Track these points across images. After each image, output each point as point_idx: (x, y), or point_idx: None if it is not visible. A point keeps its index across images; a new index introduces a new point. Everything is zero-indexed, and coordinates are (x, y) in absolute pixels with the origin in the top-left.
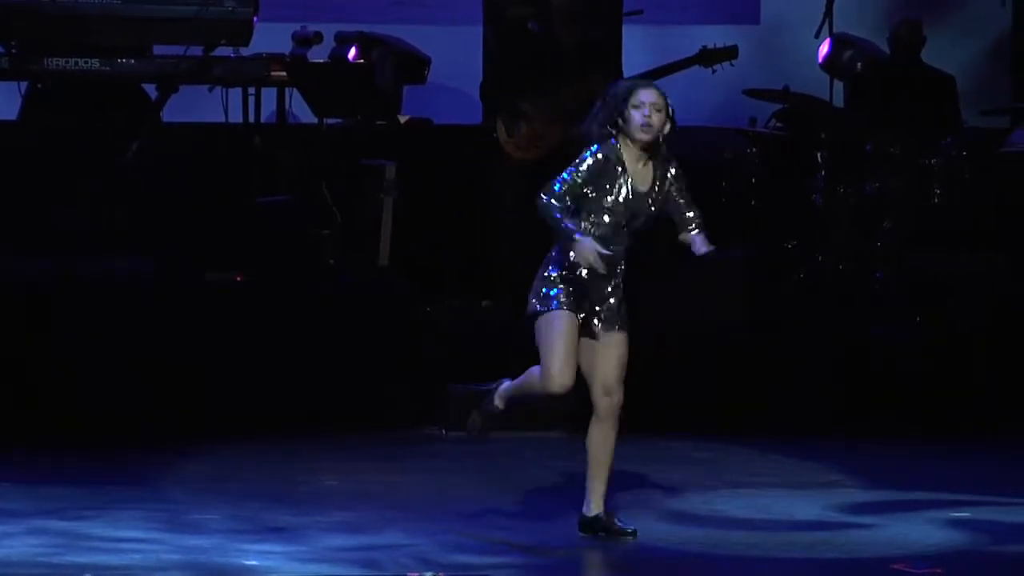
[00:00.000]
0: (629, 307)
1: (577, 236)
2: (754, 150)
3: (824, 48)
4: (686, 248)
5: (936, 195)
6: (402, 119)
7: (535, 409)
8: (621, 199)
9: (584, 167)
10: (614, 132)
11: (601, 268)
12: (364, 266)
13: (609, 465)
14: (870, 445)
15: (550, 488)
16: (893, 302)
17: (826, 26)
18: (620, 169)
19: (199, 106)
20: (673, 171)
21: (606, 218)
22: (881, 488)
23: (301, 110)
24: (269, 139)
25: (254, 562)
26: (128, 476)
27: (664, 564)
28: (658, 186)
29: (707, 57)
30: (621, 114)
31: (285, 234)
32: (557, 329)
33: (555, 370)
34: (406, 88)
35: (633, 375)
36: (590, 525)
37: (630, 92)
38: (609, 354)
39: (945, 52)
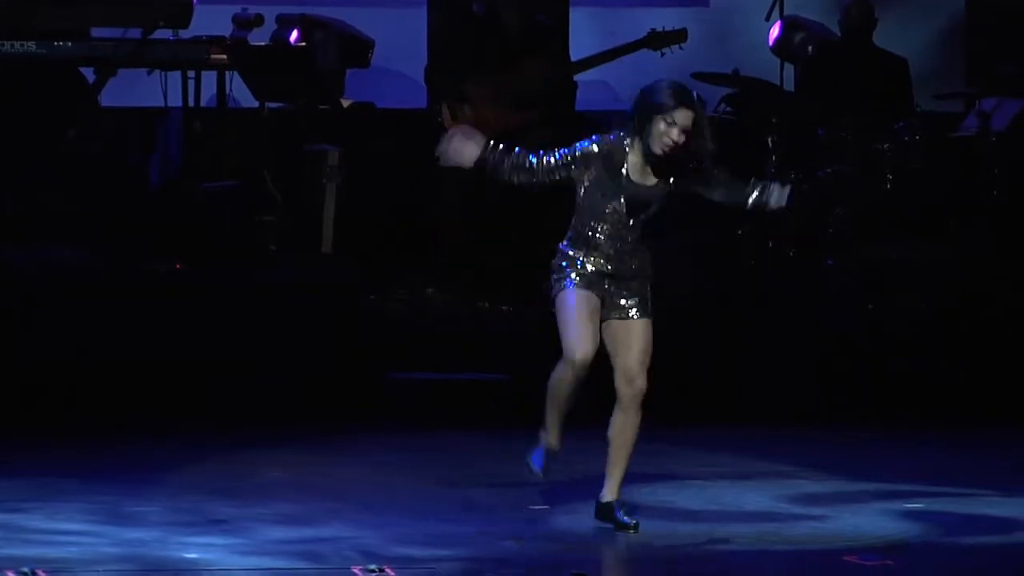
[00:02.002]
0: None
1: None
2: None
3: (774, 31)
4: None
5: (888, 180)
6: (345, 103)
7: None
8: (622, 189)
9: (575, 149)
10: (633, 130)
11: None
12: (307, 253)
13: (628, 454)
14: (821, 435)
15: (495, 481)
16: (844, 289)
17: (776, 9)
18: (621, 164)
19: (138, 90)
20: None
21: (607, 210)
22: (832, 479)
23: (242, 94)
24: (209, 124)
25: (194, 555)
26: (66, 468)
27: (609, 556)
28: (664, 182)
29: (655, 40)
30: (649, 119)
31: (226, 221)
32: (570, 304)
33: (572, 341)
34: (349, 72)
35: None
36: (602, 511)
37: (665, 108)
38: (631, 341)
39: (898, 35)
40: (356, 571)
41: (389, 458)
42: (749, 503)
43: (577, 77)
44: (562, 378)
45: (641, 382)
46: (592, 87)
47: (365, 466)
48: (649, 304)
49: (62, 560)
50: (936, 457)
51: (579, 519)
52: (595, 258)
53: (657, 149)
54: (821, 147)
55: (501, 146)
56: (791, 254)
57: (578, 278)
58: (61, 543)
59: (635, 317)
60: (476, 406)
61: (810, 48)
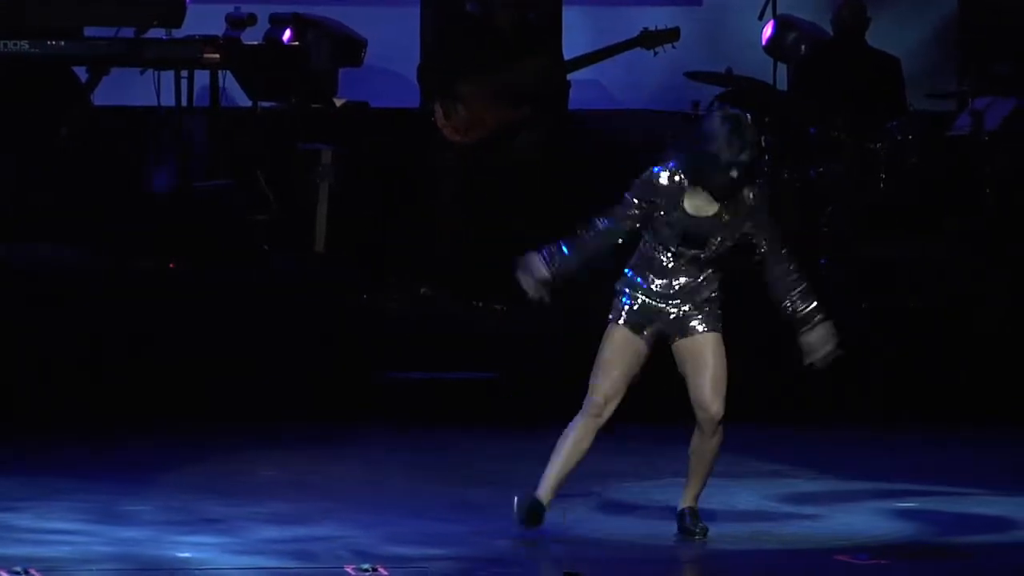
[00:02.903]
0: None
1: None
2: None
3: (767, 30)
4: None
5: (881, 179)
6: (338, 102)
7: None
8: (679, 222)
9: (635, 186)
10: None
11: (532, 294)
12: (300, 252)
13: (706, 471)
14: (814, 435)
15: (487, 481)
16: (838, 288)
17: (769, 8)
18: (680, 193)
19: (131, 89)
20: (751, 195)
21: (667, 242)
22: (825, 478)
23: (235, 93)
24: (203, 123)
25: (187, 554)
26: (59, 467)
27: (600, 555)
28: (727, 214)
29: (648, 39)
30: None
31: (219, 220)
32: (610, 342)
33: (597, 380)
34: (342, 71)
35: (574, 364)
36: (678, 517)
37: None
38: (699, 364)
39: (891, 34)
40: (349, 570)
41: (382, 457)
42: (741, 502)
43: (570, 76)
44: (581, 425)
45: (717, 408)
46: (585, 86)
47: (358, 465)
48: (718, 317)
49: (55, 559)
50: (929, 456)
51: (572, 517)
52: (654, 290)
53: (730, 182)
54: (814, 146)
55: (569, 240)
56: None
57: (634, 307)
58: (54, 542)
59: (703, 331)
60: (469, 405)
61: (803, 47)
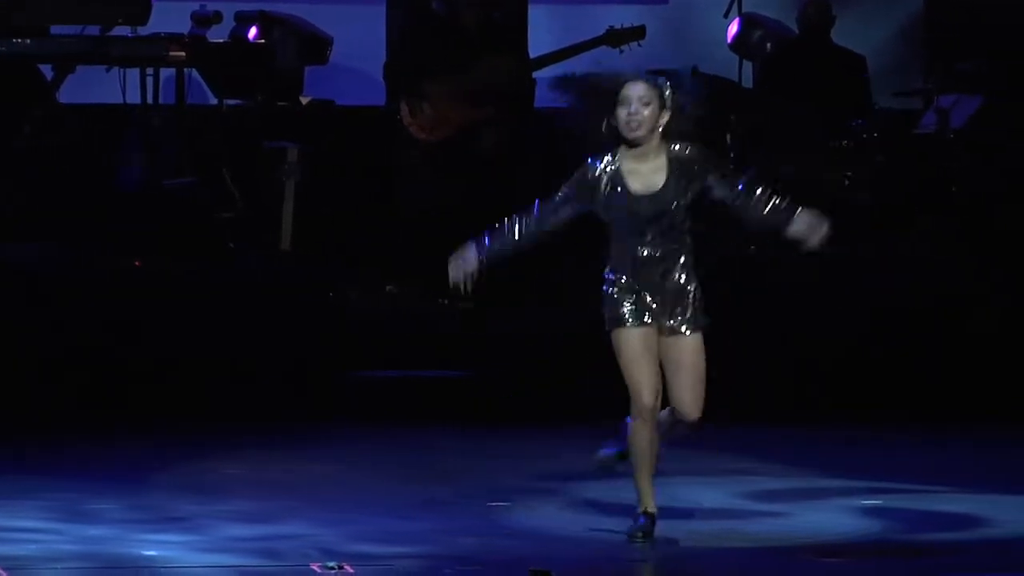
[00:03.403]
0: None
1: (468, 247)
2: None
3: (733, 28)
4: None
5: (847, 177)
6: (304, 100)
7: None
8: (626, 204)
9: (570, 182)
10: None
11: (459, 281)
12: (265, 250)
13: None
14: (780, 433)
15: (453, 479)
16: (804, 285)
17: (735, 6)
18: (616, 176)
19: (96, 87)
20: (688, 154)
21: (623, 227)
22: (791, 476)
23: (201, 91)
24: (168, 121)
25: (153, 552)
26: (24, 465)
27: (569, 553)
28: (674, 179)
29: (614, 37)
30: (613, 115)
31: (185, 218)
32: (625, 346)
33: (636, 384)
34: (308, 69)
35: (540, 364)
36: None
37: (613, 92)
38: (679, 369)
39: (856, 32)
40: (315, 568)
41: (348, 455)
42: (708, 500)
43: (536, 74)
44: (637, 433)
45: (693, 417)
46: (551, 84)
47: (324, 463)
48: (701, 312)
49: (20, 557)
50: (895, 454)
51: (539, 516)
52: (636, 278)
53: (628, 134)
54: (779, 144)
55: (497, 227)
56: (751, 250)
57: (629, 307)
58: (19, 540)
59: (687, 333)
60: (435, 403)
61: (768, 45)
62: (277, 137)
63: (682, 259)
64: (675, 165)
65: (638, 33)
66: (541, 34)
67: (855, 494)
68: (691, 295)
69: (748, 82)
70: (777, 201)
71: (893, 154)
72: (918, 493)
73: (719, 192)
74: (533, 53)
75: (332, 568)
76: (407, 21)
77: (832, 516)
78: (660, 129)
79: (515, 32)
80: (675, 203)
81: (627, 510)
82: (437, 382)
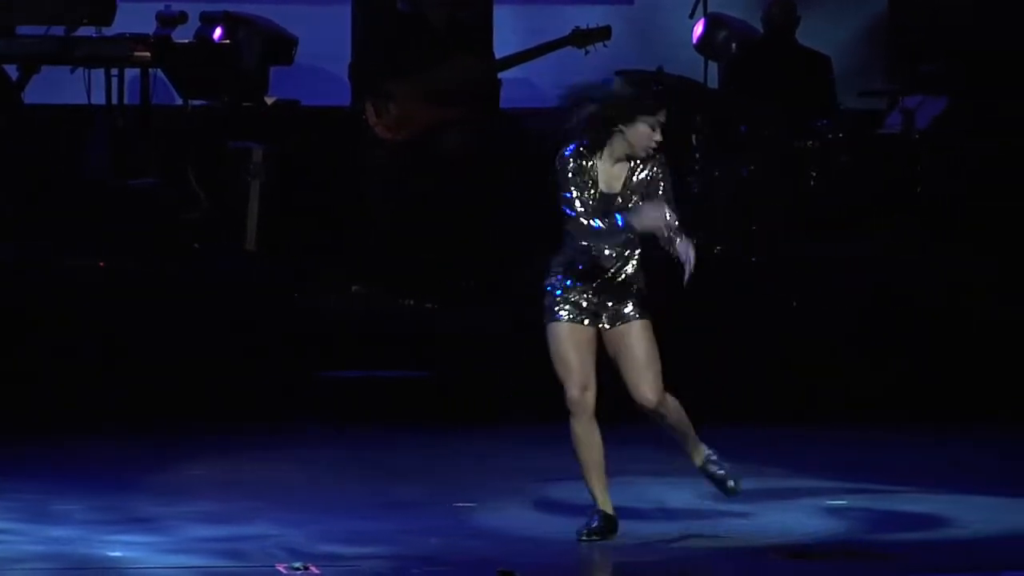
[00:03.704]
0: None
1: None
2: None
3: (698, 29)
4: None
5: (812, 177)
6: (269, 101)
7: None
8: (591, 201)
9: (569, 178)
10: (610, 132)
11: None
12: (231, 251)
13: (686, 432)
14: (745, 433)
15: (418, 479)
16: (767, 286)
17: (700, 6)
18: (592, 176)
19: (61, 87)
20: (655, 172)
21: (584, 219)
22: (757, 475)
23: (166, 91)
24: (133, 121)
25: (118, 553)
26: None
27: (534, 552)
28: (631, 188)
29: (580, 38)
30: (631, 120)
31: (150, 218)
32: (556, 339)
33: (563, 377)
34: (273, 69)
35: (509, 362)
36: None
37: (651, 108)
38: (630, 356)
39: (821, 33)
40: (280, 569)
41: (313, 456)
42: (674, 500)
43: (501, 74)
44: (572, 428)
45: (650, 396)
46: (516, 84)
47: (289, 464)
48: (644, 303)
49: None
50: (859, 454)
51: (505, 516)
52: (586, 274)
53: (642, 152)
54: (745, 144)
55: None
56: (716, 251)
57: (567, 306)
58: None
59: (631, 318)
60: (400, 404)
61: (733, 46)
62: (242, 137)
63: (635, 254)
64: (639, 171)
65: (604, 34)
66: (506, 34)
67: (822, 494)
68: (635, 288)
69: (713, 82)
70: None
71: (858, 154)
72: (885, 493)
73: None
74: (498, 53)
75: (298, 569)
76: (372, 21)
77: (798, 516)
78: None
79: (480, 32)
80: (634, 202)
81: (592, 508)
82: (402, 382)
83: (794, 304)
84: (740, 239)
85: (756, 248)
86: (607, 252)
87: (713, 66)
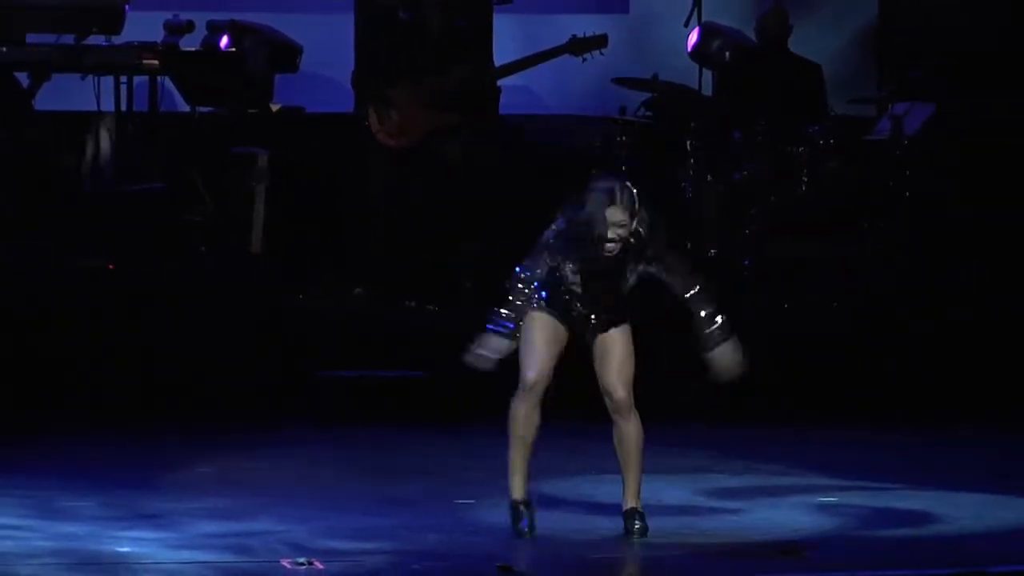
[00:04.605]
0: None
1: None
2: (624, 139)
3: (693, 37)
4: None
5: (803, 183)
6: (274, 107)
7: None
8: (574, 272)
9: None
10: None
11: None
12: (236, 254)
13: (634, 467)
14: (737, 431)
15: (421, 476)
16: (760, 289)
17: (695, 15)
18: (563, 262)
19: (71, 94)
20: (642, 229)
21: (575, 258)
22: (749, 473)
23: (173, 98)
24: (141, 127)
25: (127, 549)
26: None
27: (532, 548)
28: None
29: (577, 46)
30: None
31: (157, 222)
32: (532, 327)
33: (525, 362)
34: (278, 76)
35: (504, 364)
36: (624, 516)
37: (599, 226)
38: (607, 355)
39: (812, 41)
40: (285, 564)
41: (317, 454)
42: (668, 497)
43: (500, 82)
44: (515, 401)
45: (621, 393)
46: (515, 91)
47: (293, 461)
48: (626, 311)
49: None
50: (849, 452)
51: (504, 513)
52: (567, 285)
53: (607, 254)
54: (737, 150)
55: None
56: (709, 254)
57: (544, 296)
58: None
59: (612, 329)
60: (401, 403)
61: (727, 54)
62: (248, 143)
63: (621, 285)
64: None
65: (600, 42)
66: (505, 42)
67: (813, 491)
68: (622, 299)
69: (708, 90)
70: (717, 325)
71: (848, 160)
72: (874, 490)
73: (654, 268)
74: (498, 61)
75: (302, 564)
76: (374, 30)
77: (790, 513)
78: (632, 240)
79: (480, 40)
80: (623, 262)
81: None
82: (403, 382)
83: (785, 306)
84: (733, 242)
85: (748, 251)
86: (596, 269)
87: (707, 73)
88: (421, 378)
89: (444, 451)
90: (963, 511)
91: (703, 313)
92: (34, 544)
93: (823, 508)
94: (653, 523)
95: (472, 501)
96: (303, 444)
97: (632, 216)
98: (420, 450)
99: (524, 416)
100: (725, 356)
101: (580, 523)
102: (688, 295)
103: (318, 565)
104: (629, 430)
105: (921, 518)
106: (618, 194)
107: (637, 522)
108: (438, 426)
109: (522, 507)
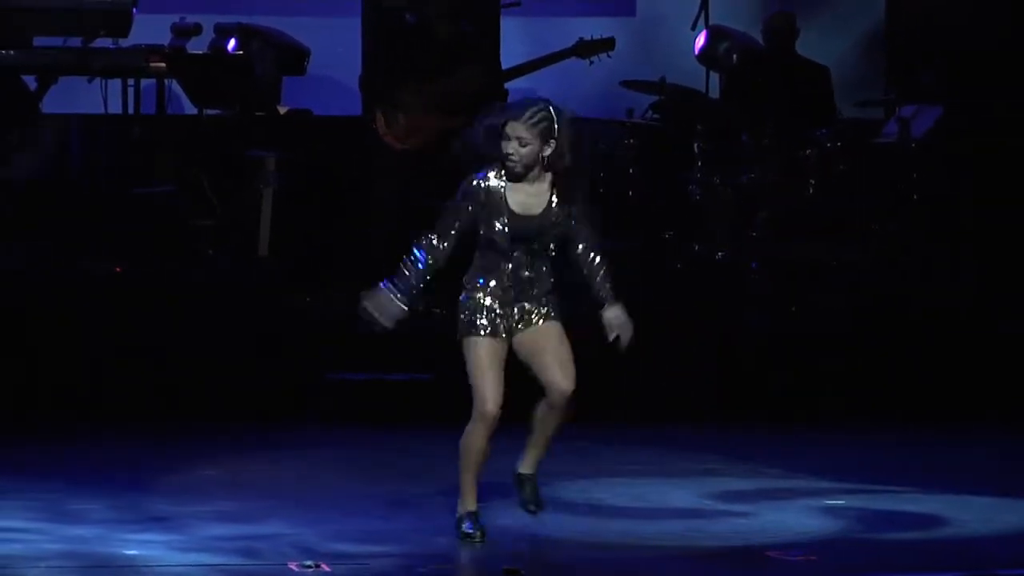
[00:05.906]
0: None
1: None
2: (631, 141)
3: (700, 40)
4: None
5: (810, 186)
6: (281, 110)
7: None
8: (503, 227)
9: (460, 193)
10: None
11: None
12: (244, 256)
13: (544, 442)
14: (746, 434)
15: (428, 478)
16: (767, 291)
17: (702, 18)
18: (503, 198)
19: (79, 97)
20: (567, 206)
21: (496, 242)
22: (756, 476)
23: (181, 101)
24: (149, 130)
25: (135, 551)
26: (7, 466)
27: (540, 553)
28: (551, 209)
29: (584, 49)
30: (498, 144)
31: (165, 224)
32: (477, 355)
33: (481, 392)
34: (286, 79)
35: (512, 365)
36: (517, 479)
37: (503, 122)
38: (539, 347)
39: (820, 44)
40: (293, 567)
41: (324, 456)
42: (676, 500)
43: (508, 84)
44: (473, 434)
45: (567, 384)
46: (522, 94)
47: (301, 464)
48: (556, 307)
49: (5, 556)
50: (857, 455)
51: (510, 516)
52: (495, 289)
53: (507, 171)
54: (745, 153)
55: (403, 266)
56: (716, 257)
57: (485, 323)
58: (4, 540)
59: (539, 323)
60: (408, 405)
61: (734, 57)
62: (255, 146)
63: (548, 277)
64: (554, 199)
65: (608, 44)
66: (513, 45)
67: (820, 494)
68: (547, 298)
69: (715, 92)
70: (599, 277)
71: (856, 162)
72: (882, 493)
73: (573, 237)
74: (505, 64)
75: (309, 567)
76: (382, 33)
77: (797, 515)
78: (544, 161)
79: (487, 43)
80: (549, 230)
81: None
82: (411, 384)
83: (793, 309)
84: (740, 245)
85: (756, 254)
86: (514, 269)
87: (715, 76)
88: (428, 381)
89: (451, 454)
90: (970, 514)
91: (597, 278)
92: (42, 547)
93: (830, 511)
94: (660, 527)
95: (479, 504)
96: (310, 447)
97: (541, 139)
98: (427, 453)
99: (480, 451)
100: (615, 315)
101: (591, 527)
102: (597, 275)
103: (325, 568)
104: (563, 415)
105: (928, 521)
106: (527, 113)
107: (535, 493)
108: (445, 429)
109: (476, 517)
